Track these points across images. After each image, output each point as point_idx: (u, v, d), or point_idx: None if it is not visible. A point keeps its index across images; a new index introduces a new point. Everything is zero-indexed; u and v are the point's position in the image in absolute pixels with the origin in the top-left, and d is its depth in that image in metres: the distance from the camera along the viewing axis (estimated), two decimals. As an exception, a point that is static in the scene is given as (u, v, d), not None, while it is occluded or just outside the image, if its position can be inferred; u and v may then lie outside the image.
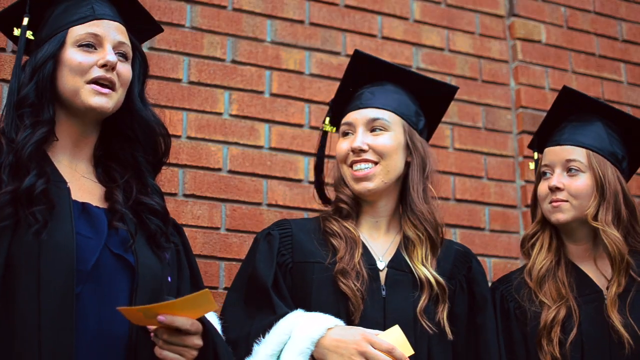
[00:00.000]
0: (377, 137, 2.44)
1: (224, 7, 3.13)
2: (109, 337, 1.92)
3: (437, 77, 2.71)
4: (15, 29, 2.14)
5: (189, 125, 2.96)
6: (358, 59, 2.56)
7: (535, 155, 2.79)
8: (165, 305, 1.85)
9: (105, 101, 2.05)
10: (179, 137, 2.92)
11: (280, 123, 3.12)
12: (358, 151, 2.43)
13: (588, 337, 2.44)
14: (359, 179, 2.43)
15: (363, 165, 2.43)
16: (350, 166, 2.46)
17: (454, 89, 2.66)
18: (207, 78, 3.04)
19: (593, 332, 2.45)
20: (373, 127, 2.45)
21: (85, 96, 2.04)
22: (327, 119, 2.62)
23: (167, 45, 2.96)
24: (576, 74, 3.70)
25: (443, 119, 3.30)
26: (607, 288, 2.51)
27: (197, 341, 1.92)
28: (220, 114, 3.03)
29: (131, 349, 1.94)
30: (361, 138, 2.44)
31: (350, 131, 2.49)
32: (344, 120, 2.52)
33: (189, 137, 2.96)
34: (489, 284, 2.65)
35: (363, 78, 2.55)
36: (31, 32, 2.13)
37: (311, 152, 3.13)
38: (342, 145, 2.49)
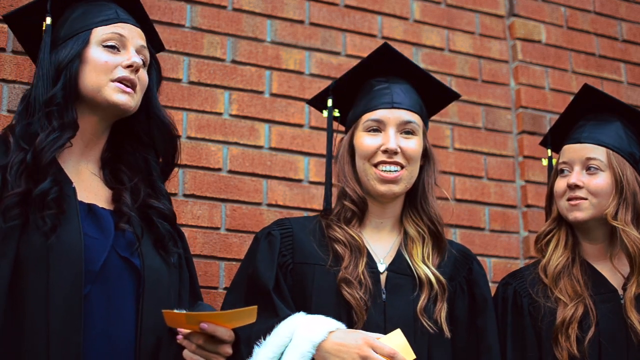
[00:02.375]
0: (408, 141, 2.40)
1: (224, 7, 3.12)
2: (115, 338, 1.93)
3: (437, 77, 2.70)
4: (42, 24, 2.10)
5: (189, 125, 2.96)
6: (384, 53, 2.51)
7: (549, 152, 2.78)
8: (211, 315, 1.91)
9: (129, 99, 2.07)
10: (179, 137, 2.92)
11: (280, 123, 3.12)
12: (392, 153, 2.37)
13: (606, 336, 2.43)
14: (386, 181, 2.38)
15: (393, 167, 2.38)
16: (375, 166, 2.40)
17: (457, 96, 2.67)
18: (207, 78, 3.04)
19: (611, 331, 2.45)
20: (405, 129, 2.41)
21: (109, 93, 2.05)
22: (330, 100, 2.54)
23: (167, 45, 2.94)
24: (576, 74, 3.70)
25: (443, 119, 3.33)
26: (624, 287, 2.51)
27: (229, 349, 1.98)
28: (220, 114, 3.03)
29: (137, 349, 1.95)
30: (395, 140, 2.39)
31: (379, 128, 2.42)
32: (372, 115, 2.43)
33: (189, 137, 2.95)
34: (490, 284, 2.65)
35: (379, 71, 2.51)
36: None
37: (311, 152, 3.13)
38: (369, 142, 2.41)
